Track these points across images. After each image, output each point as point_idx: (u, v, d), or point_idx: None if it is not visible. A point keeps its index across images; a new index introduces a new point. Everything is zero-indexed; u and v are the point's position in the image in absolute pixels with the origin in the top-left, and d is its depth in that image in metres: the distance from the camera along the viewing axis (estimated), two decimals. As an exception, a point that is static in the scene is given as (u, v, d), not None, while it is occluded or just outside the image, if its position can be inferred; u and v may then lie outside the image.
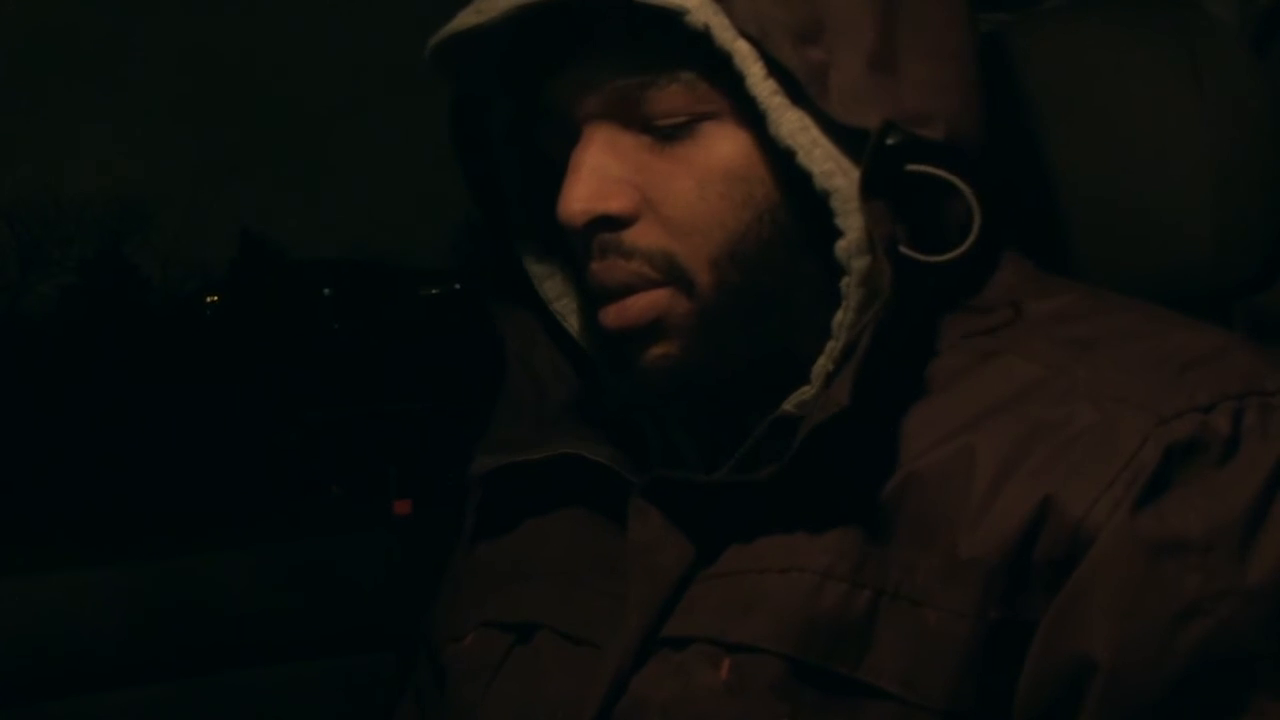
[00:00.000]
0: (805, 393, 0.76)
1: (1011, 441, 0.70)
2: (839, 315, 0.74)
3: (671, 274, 0.76)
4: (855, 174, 0.72)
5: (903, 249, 0.72)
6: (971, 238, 0.73)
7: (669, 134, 0.75)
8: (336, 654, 1.67)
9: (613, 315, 0.78)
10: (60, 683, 1.55)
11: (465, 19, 0.76)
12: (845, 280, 0.73)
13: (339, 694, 1.65)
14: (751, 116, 0.74)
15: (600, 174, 0.76)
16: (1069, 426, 0.69)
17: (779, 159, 0.74)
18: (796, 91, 0.72)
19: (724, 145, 0.75)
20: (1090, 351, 0.73)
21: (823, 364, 0.75)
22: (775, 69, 0.72)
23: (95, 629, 1.58)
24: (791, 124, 0.72)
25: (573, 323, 0.88)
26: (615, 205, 0.76)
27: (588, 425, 0.86)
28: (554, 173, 0.80)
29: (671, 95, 0.74)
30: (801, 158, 0.72)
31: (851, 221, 0.72)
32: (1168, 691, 0.65)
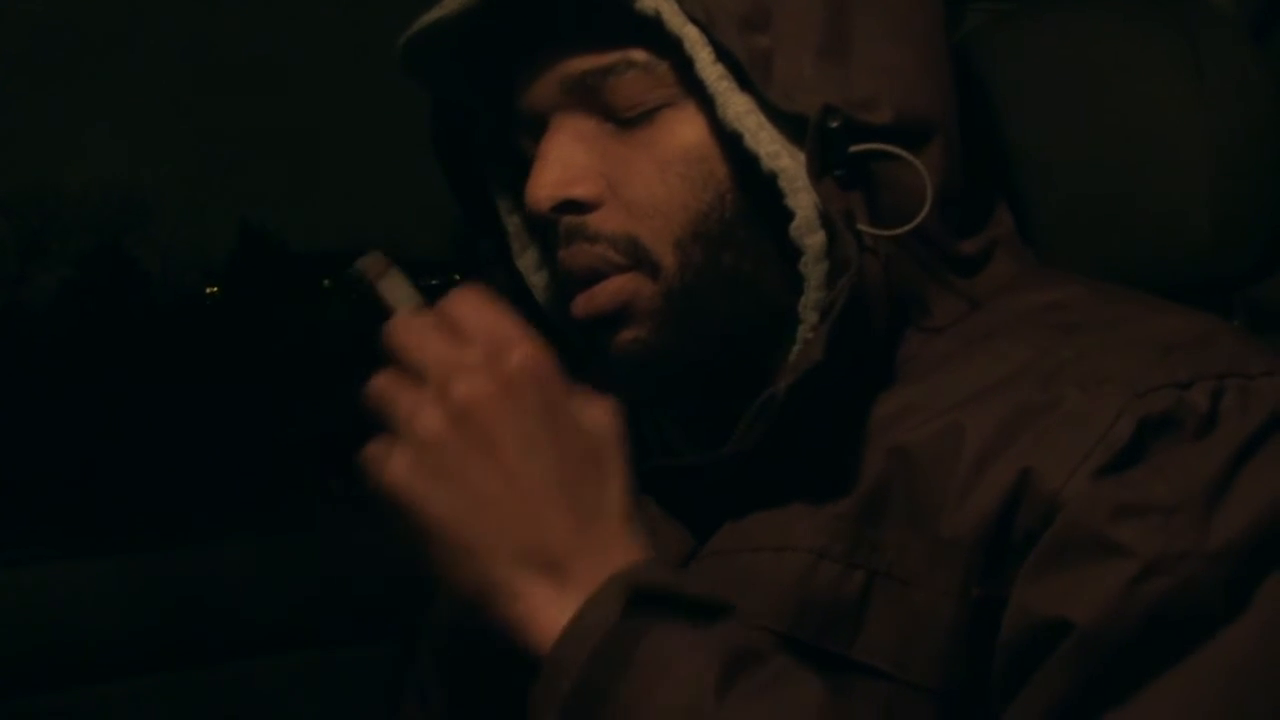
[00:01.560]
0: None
1: (998, 423, 0.71)
2: (803, 297, 0.75)
3: (636, 257, 0.77)
4: (802, 156, 0.74)
5: (861, 227, 0.73)
6: (925, 209, 0.74)
7: (631, 120, 0.77)
8: (337, 647, 1.67)
9: (581, 303, 0.79)
10: (60, 676, 1.55)
11: (428, 16, 0.79)
12: (803, 261, 0.75)
13: (340, 687, 1.65)
14: (708, 99, 0.75)
15: (564, 162, 0.78)
16: (1055, 409, 0.70)
17: (734, 141, 0.76)
18: (745, 75, 0.74)
19: (683, 128, 0.77)
20: (1078, 335, 0.74)
21: (800, 350, 0.76)
22: (723, 54, 0.74)
23: (95, 623, 1.58)
24: (738, 108, 0.74)
25: (571, 331, 0.89)
26: (579, 191, 0.78)
27: None
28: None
29: (630, 81, 0.77)
30: (748, 140, 0.74)
31: (800, 200, 0.74)
32: (1124, 647, 0.65)
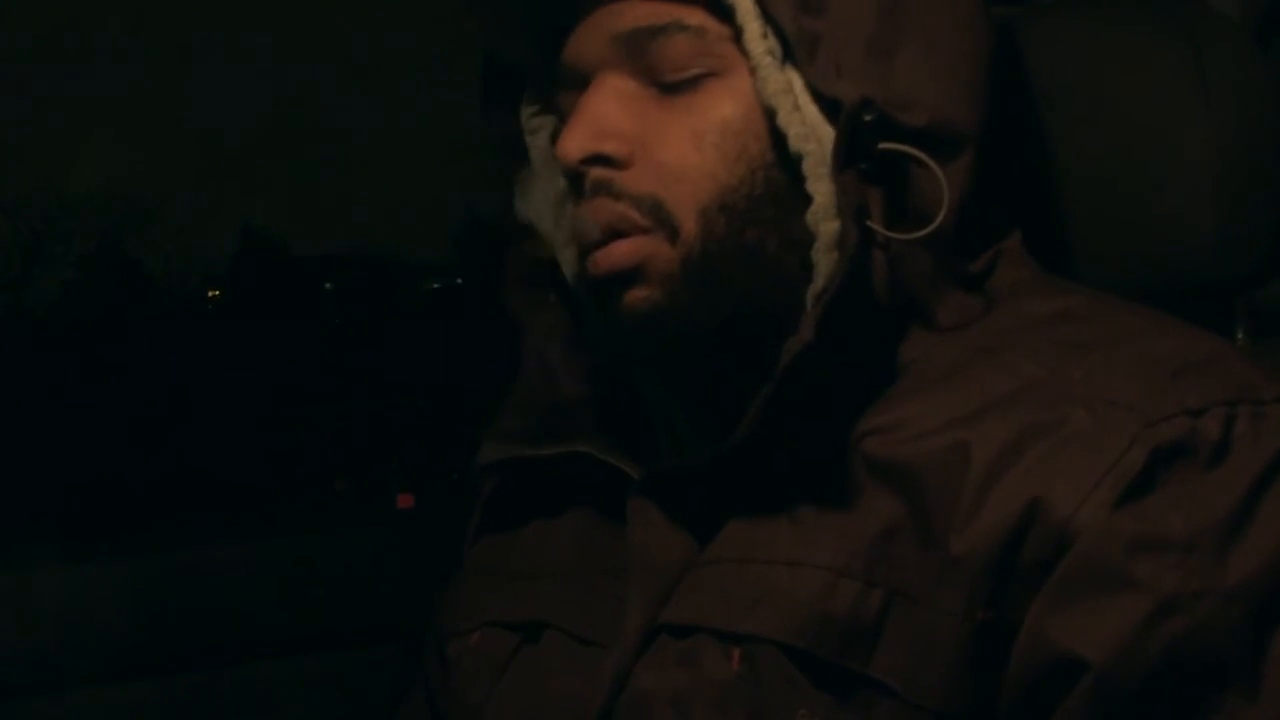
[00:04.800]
0: None
1: (1004, 441, 0.70)
2: (812, 285, 0.75)
3: (657, 220, 0.77)
4: (830, 142, 0.74)
5: (870, 223, 0.73)
6: (939, 219, 0.74)
7: (673, 85, 0.78)
8: (340, 649, 1.67)
9: (599, 258, 0.79)
10: (61, 678, 1.55)
11: None
12: (815, 248, 0.75)
13: (343, 689, 1.65)
14: (753, 73, 0.76)
15: (600, 117, 0.78)
16: (1061, 429, 0.70)
17: (771, 118, 0.76)
18: (791, 54, 0.75)
19: (724, 100, 0.77)
20: (1086, 354, 0.73)
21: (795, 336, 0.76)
22: (774, 29, 0.75)
23: (97, 624, 1.58)
24: (777, 84, 0.75)
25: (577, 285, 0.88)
26: (610, 147, 0.78)
27: (598, 422, 0.86)
28: None
29: (679, 44, 0.77)
30: (780, 119, 0.75)
31: (820, 187, 0.74)
32: (1142, 687, 0.65)
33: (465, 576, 0.96)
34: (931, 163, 0.75)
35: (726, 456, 0.77)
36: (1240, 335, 0.98)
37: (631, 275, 0.78)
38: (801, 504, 0.75)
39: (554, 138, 0.87)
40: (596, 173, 0.78)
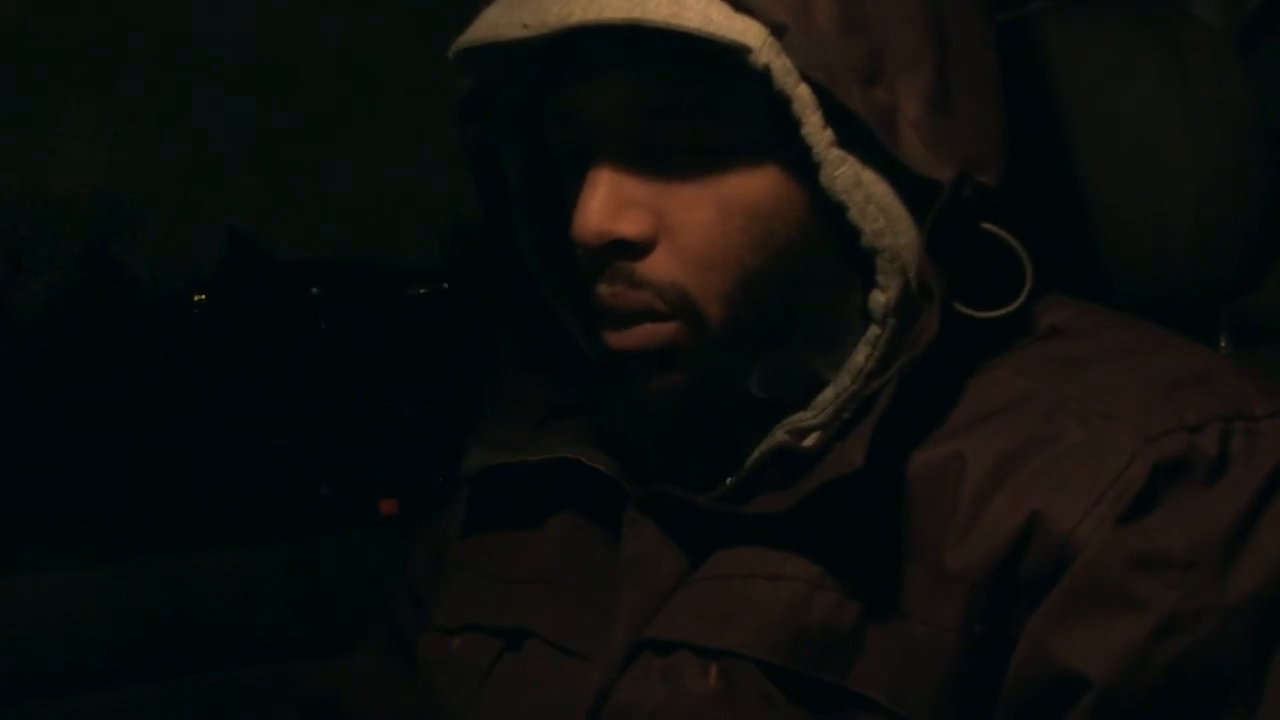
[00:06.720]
0: (803, 419, 0.76)
1: (1000, 453, 0.70)
2: (857, 358, 0.74)
3: (681, 308, 0.75)
4: (902, 229, 0.71)
5: (959, 306, 0.71)
6: (1023, 296, 0.73)
7: (696, 158, 0.73)
8: (326, 654, 1.66)
9: (617, 339, 0.77)
10: (49, 683, 1.55)
11: (508, 29, 0.72)
12: (875, 332, 0.73)
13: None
14: (786, 155, 0.72)
15: (618, 193, 0.73)
16: (1058, 442, 0.70)
17: (813, 202, 0.73)
18: (844, 138, 0.71)
19: (752, 180, 0.73)
20: (1080, 369, 0.73)
21: (829, 396, 0.75)
22: (831, 116, 0.70)
23: (84, 629, 1.57)
24: (846, 179, 0.70)
25: (573, 324, 0.87)
26: (631, 229, 0.74)
27: (585, 430, 0.85)
28: (559, 169, 0.78)
29: (705, 124, 0.72)
30: (854, 214, 0.71)
31: (893, 281, 0.71)
32: (1143, 705, 0.65)
33: (448, 566, 0.94)
34: (1015, 243, 0.73)
35: (735, 510, 0.76)
36: (1224, 343, 0.99)
37: (653, 358, 0.76)
38: (790, 524, 0.74)
39: (525, 150, 0.84)
40: (618, 264, 0.74)
